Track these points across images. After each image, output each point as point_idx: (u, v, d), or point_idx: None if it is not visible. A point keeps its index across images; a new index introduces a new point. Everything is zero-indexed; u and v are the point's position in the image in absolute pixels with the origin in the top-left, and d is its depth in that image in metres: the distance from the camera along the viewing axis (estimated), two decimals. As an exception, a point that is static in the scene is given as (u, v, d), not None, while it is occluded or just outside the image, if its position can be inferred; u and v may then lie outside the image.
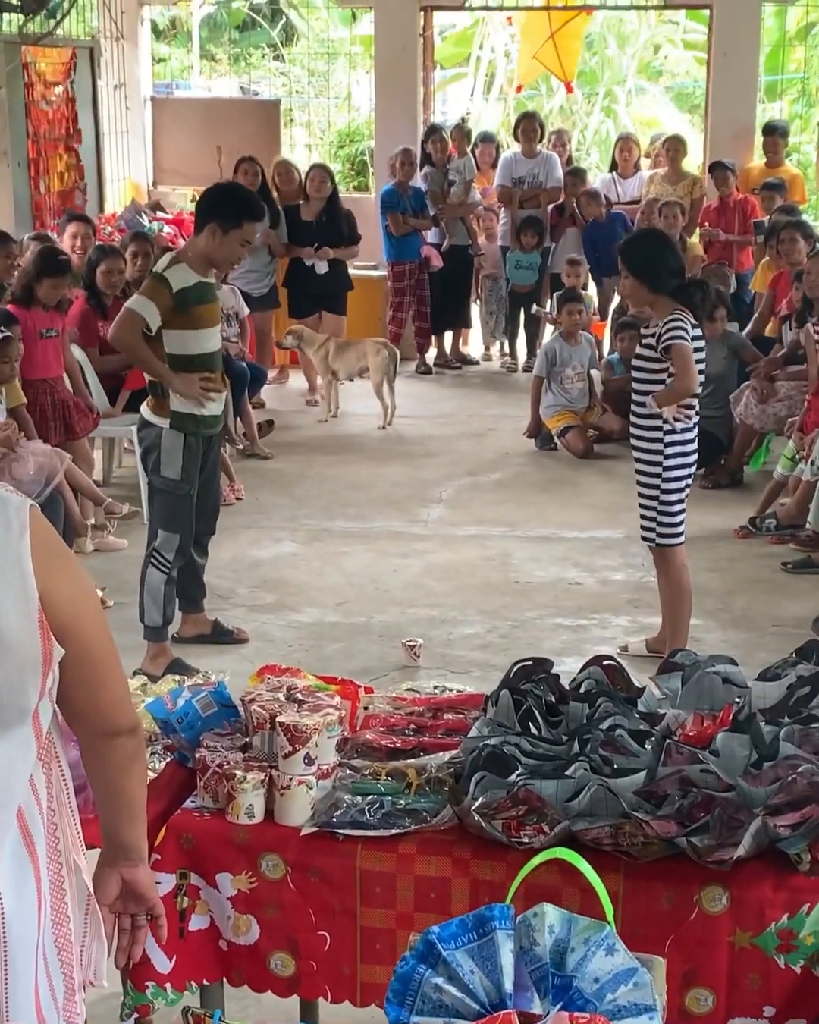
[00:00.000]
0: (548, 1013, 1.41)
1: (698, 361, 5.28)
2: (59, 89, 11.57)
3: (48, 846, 2.05)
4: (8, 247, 7.94)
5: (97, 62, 12.33)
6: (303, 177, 10.90)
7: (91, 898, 2.17)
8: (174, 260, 5.43)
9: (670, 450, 5.34)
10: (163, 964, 2.69)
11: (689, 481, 5.49)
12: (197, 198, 12.86)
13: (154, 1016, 2.77)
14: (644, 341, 5.36)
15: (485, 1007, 1.45)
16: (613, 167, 12.36)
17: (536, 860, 1.70)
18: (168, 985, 2.71)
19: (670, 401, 5.27)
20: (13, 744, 1.98)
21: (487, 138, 12.96)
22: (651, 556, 5.81)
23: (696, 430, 5.44)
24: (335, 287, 10.61)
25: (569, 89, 12.72)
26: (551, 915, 1.55)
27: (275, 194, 10.92)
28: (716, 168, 11.22)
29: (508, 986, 1.46)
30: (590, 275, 11.33)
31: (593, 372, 9.69)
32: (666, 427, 5.32)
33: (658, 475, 5.37)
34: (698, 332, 5.32)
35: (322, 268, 10.45)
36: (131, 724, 2.15)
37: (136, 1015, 2.73)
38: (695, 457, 5.46)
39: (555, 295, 10.52)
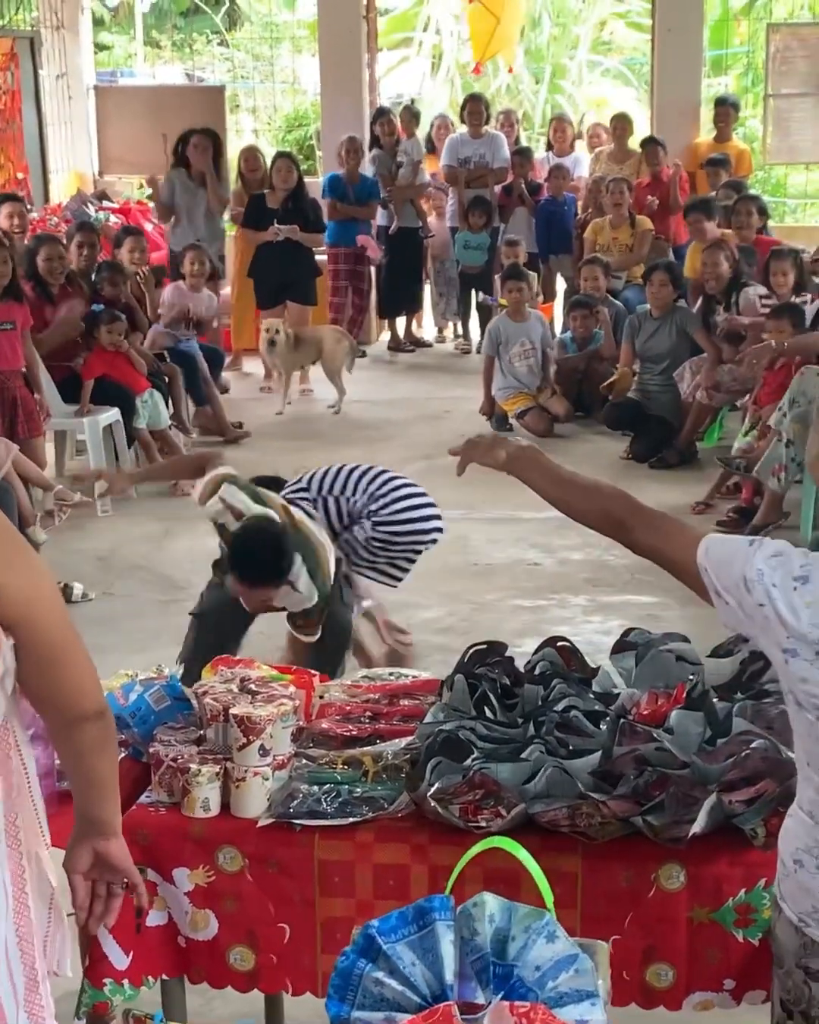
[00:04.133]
0: (490, 1003, 1.41)
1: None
2: (-1, 80, 11.47)
3: (7, 836, 2.04)
4: None
5: (38, 52, 12.22)
6: (269, 165, 10.91)
7: (54, 890, 2.15)
8: None
9: None
10: (120, 960, 2.68)
11: None
12: (144, 187, 12.87)
13: (113, 1011, 2.76)
14: None
15: (426, 999, 1.44)
16: (549, 147, 12.43)
17: (474, 850, 1.70)
18: (126, 981, 2.70)
19: None
20: None
21: (444, 117, 13.00)
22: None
23: None
24: (300, 274, 10.53)
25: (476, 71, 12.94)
26: (491, 904, 1.55)
27: (237, 180, 10.97)
28: (647, 143, 11.30)
29: (449, 977, 1.46)
30: (538, 254, 11.39)
31: (547, 351, 9.69)
32: None
33: None
34: None
35: (279, 236, 10.37)
36: (96, 709, 2.13)
37: (91, 1012, 2.71)
38: None
39: (498, 274, 10.55)
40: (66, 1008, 3.04)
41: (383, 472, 5.03)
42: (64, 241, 8.49)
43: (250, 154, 11.26)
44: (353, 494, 4.91)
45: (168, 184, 10.56)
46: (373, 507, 4.88)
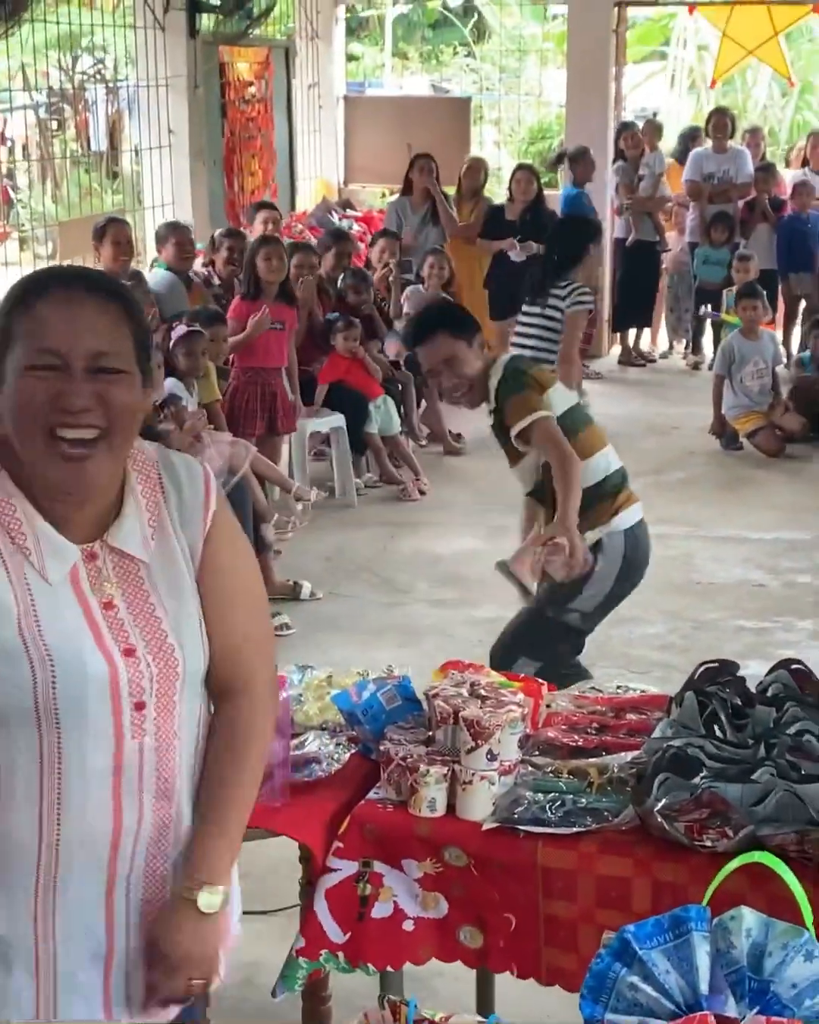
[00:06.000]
0: (744, 1016, 1.41)
1: None
2: (253, 89, 11.79)
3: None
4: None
5: (292, 62, 12.52)
6: (483, 175, 11.02)
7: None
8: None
9: None
10: (337, 935, 2.75)
11: None
12: (387, 195, 13.10)
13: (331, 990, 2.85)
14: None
15: (680, 1007, 1.45)
16: (804, 163, 12.20)
17: (734, 863, 1.69)
18: (340, 954, 2.77)
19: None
20: None
21: (694, 136, 12.83)
22: None
23: None
24: None
25: (792, 84, 12.76)
26: (748, 918, 1.55)
27: (454, 191, 11.09)
28: None
29: (704, 987, 1.46)
30: (777, 271, 11.21)
31: (778, 369, 9.56)
32: None
33: None
34: None
35: (519, 257, 10.44)
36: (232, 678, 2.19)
37: (308, 982, 2.80)
38: None
39: (732, 291, 10.42)
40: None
41: None
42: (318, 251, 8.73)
43: (474, 164, 11.35)
44: None
45: (392, 212, 10.80)
46: None
